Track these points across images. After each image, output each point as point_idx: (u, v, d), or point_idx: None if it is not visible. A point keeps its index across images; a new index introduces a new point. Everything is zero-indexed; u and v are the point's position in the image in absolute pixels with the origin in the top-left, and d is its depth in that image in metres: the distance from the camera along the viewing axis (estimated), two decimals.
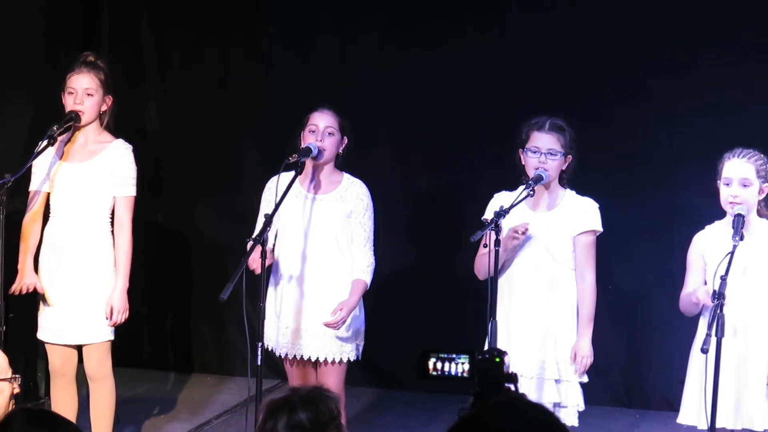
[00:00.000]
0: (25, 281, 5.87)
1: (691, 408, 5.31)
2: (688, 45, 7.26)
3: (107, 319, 5.87)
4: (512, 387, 2.75)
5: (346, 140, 5.81)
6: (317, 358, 5.74)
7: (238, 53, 8.10)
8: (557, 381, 5.51)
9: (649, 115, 7.36)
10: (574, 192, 5.64)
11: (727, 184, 5.30)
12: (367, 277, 5.75)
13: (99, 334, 5.91)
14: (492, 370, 2.75)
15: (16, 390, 4.08)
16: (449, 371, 2.82)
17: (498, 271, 5.25)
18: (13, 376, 4.06)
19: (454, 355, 2.81)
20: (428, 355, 2.84)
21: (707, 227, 5.44)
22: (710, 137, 6.99)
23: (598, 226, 5.58)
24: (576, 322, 5.56)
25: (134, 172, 5.98)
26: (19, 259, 5.93)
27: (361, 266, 5.74)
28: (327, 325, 5.63)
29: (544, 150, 5.51)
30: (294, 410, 3.53)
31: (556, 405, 5.46)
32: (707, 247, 5.35)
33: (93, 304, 5.88)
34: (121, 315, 5.89)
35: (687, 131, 7.25)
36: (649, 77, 7.33)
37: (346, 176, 5.82)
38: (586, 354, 5.49)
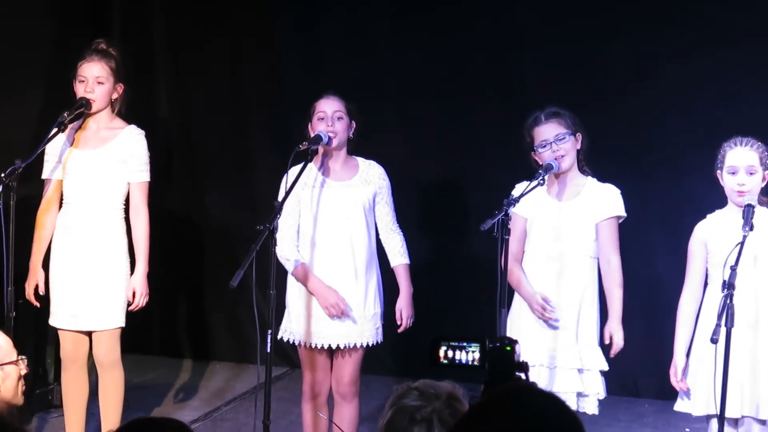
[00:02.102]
0: (30, 285, 5.92)
1: (693, 397, 5.33)
2: (696, 33, 7.25)
3: (130, 302, 5.89)
4: (523, 376, 2.74)
5: (354, 124, 5.82)
6: (332, 345, 5.74)
7: (249, 41, 8.10)
8: (580, 370, 5.52)
9: (658, 102, 7.35)
10: (595, 179, 5.64)
11: (733, 173, 5.29)
12: (406, 258, 5.90)
13: (110, 320, 5.92)
14: (503, 359, 2.74)
15: (24, 370, 4.07)
16: (460, 359, 2.82)
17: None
18: (19, 357, 4.05)
19: (465, 344, 2.81)
20: (439, 343, 2.84)
21: (708, 216, 5.43)
22: (719, 125, 6.96)
23: (622, 211, 5.61)
24: (596, 311, 5.57)
25: (147, 158, 5.99)
26: (32, 252, 5.95)
27: (396, 249, 5.88)
28: (401, 330, 5.84)
29: (551, 139, 5.54)
30: (431, 429, 3.48)
31: (580, 394, 5.47)
32: (710, 236, 5.34)
33: (105, 290, 5.89)
34: (143, 299, 5.92)
35: (695, 119, 7.24)
36: (657, 65, 7.33)
37: (361, 160, 5.86)
38: (621, 336, 5.53)
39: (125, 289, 5.94)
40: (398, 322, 5.84)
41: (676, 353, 5.43)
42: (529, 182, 5.43)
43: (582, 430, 2.32)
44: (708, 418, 5.29)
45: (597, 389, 5.54)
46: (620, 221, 5.63)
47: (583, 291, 5.55)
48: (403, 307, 5.84)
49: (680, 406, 5.45)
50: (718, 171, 5.34)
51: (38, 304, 5.96)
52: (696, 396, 5.31)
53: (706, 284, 5.42)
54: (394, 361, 7.70)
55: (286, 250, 5.59)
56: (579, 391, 5.49)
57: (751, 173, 5.27)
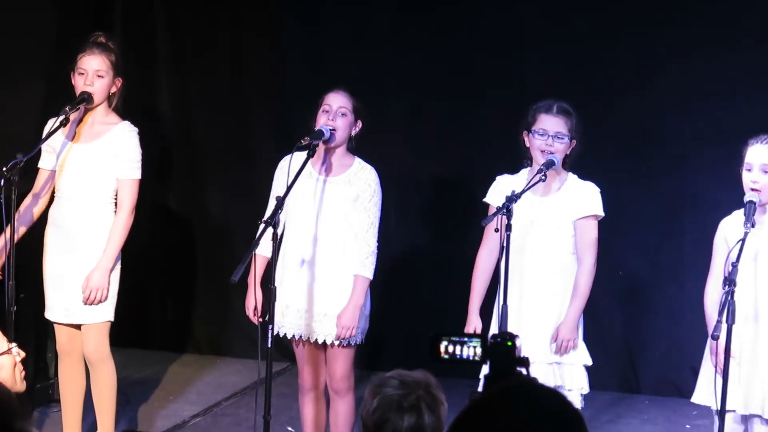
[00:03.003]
0: None
1: (704, 389, 5.32)
2: (699, 31, 7.24)
3: (82, 293, 5.80)
4: (523, 371, 2.74)
5: (360, 124, 5.78)
6: (325, 340, 5.75)
7: (251, 36, 8.09)
8: (559, 364, 5.52)
9: (660, 100, 7.35)
10: (576, 176, 5.63)
11: (749, 170, 5.28)
12: (367, 270, 5.71)
13: (98, 314, 5.88)
14: (503, 354, 2.74)
15: (19, 357, 4.04)
16: (461, 354, 2.81)
17: (507, 255, 5.26)
18: (9, 346, 4.02)
19: (465, 339, 2.80)
20: (440, 338, 2.83)
21: (734, 212, 5.40)
22: (721, 123, 6.98)
23: (600, 211, 5.58)
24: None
25: (139, 155, 5.94)
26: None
27: (360, 258, 5.70)
28: (338, 338, 5.68)
29: (551, 132, 5.52)
30: (421, 415, 3.56)
31: (559, 388, 5.46)
32: (729, 233, 5.33)
33: None
34: (96, 293, 5.79)
35: (698, 117, 7.23)
36: (660, 63, 7.32)
37: (357, 160, 5.80)
38: (568, 337, 5.47)
39: (116, 283, 5.91)
40: (338, 330, 5.70)
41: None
42: (515, 174, 5.43)
43: (583, 425, 2.32)
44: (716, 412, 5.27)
45: (580, 384, 5.54)
46: (598, 220, 5.61)
47: (565, 286, 5.55)
48: (342, 316, 5.67)
49: (697, 398, 5.42)
50: (741, 167, 5.32)
51: None
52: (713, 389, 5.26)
53: None
54: (392, 356, 7.69)
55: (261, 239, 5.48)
56: (559, 385, 5.48)
57: (765, 171, 5.24)
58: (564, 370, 5.52)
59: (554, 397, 2.36)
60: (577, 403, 5.49)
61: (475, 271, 5.64)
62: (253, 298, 5.64)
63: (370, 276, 5.73)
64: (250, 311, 5.68)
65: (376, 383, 3.69)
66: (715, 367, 5.27)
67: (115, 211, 5.91)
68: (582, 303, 5.52)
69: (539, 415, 2.30)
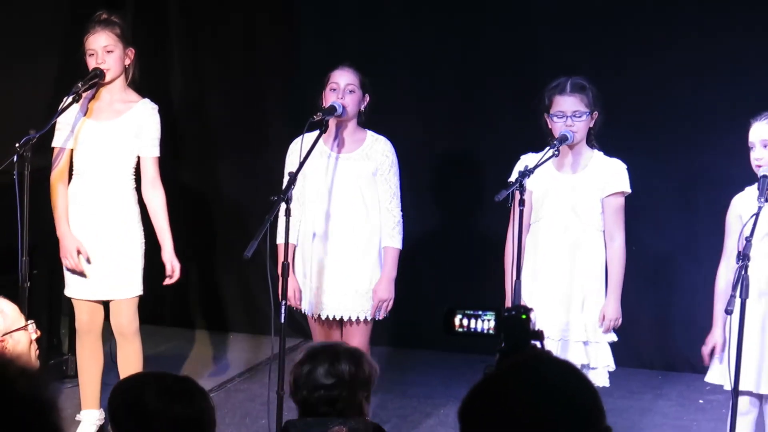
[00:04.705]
0: (69, 249, 5.88)
1: (718, 367, 5.30)
2: (715, 5, 7.20)
3: (168, 278, 5.96)
4: (538, 344, 2.73)
5: (367, 98, 5.79)
6: (341, 316, 5.75)
7: (263, 14, 8.08)
8: (585, 343, 5.51)
9: (673, 76, 7.31)
10: (602, 153, 5.61)
11: (751, 148, 5.27)
12: (396, 241, 5.76)
13: (129, 289, 5.94)
14: (518, 327, 2.73)
15: (35, 335, 4.07)
16: (475, 328, 2.81)
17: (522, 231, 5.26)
18: (27, 322, 4.04)
19: (480, 312, 2.80)
20: (454, 311, 2.83)
21: (747, 189, 5.37)
22: (737, 99, 6.94)
23: (627, 188, 5.56)
24: (603, 284, 5.55)
25: (159, 133, 5.99)
26: (56, 225, 5.93)
27: (387, 230, 5.74)
28: (372, 315, 5.72)
29: (569, 113, 5.49)
30: (337, 359, 3.63)
31: (585, 367, 5.46)
32: (743, 209, 5.30)
33: (122, 259, 5.91)
34: (179, 272, 6.00)
35: (714, 93, 7.21)
36: (675, 38, 7.29)
37: (370, 133, 5.81)
38: (613, 317, 5.49)
39: (142, 257, 5.96)
40: (374, 309, 5.74)
41: (714, 326, 5.35)
42: (540, 152, 5.42)
43: (597, 397, 2.32)
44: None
45: (606, 361, 5.54)
46: (626, 196, 5.59)
47: (591, 263, 5.53)
48: (378, 290, 5.72)
49: (711, 377, 5.40)
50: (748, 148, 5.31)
51: (84, 272, 5.91)
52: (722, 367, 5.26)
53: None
54: (405, 332, 7.70)
55: (281, 226, 5.52)
56: (585, 363, 5.47)
57: (765, 146, 5.23)
58: (590, 348, 5.52)
59: (569, 370, 2.36)
60: (604, 380, 5.49)
61: (507, 248, 5.59)
62: (291, 286, 5.61)
63: (400, 246, 5.77)
64: (291, 300, 5.66)
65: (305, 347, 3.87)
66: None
67: (135, 187, 5.95)
68: (621, 279, 5.53)
69: (554, 388, 2.30)
